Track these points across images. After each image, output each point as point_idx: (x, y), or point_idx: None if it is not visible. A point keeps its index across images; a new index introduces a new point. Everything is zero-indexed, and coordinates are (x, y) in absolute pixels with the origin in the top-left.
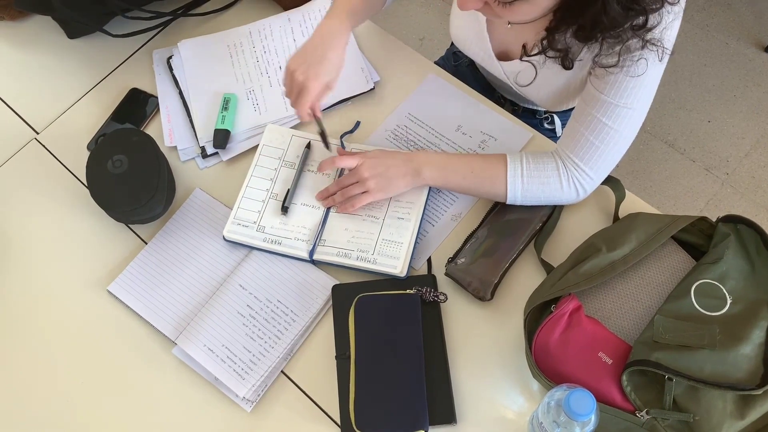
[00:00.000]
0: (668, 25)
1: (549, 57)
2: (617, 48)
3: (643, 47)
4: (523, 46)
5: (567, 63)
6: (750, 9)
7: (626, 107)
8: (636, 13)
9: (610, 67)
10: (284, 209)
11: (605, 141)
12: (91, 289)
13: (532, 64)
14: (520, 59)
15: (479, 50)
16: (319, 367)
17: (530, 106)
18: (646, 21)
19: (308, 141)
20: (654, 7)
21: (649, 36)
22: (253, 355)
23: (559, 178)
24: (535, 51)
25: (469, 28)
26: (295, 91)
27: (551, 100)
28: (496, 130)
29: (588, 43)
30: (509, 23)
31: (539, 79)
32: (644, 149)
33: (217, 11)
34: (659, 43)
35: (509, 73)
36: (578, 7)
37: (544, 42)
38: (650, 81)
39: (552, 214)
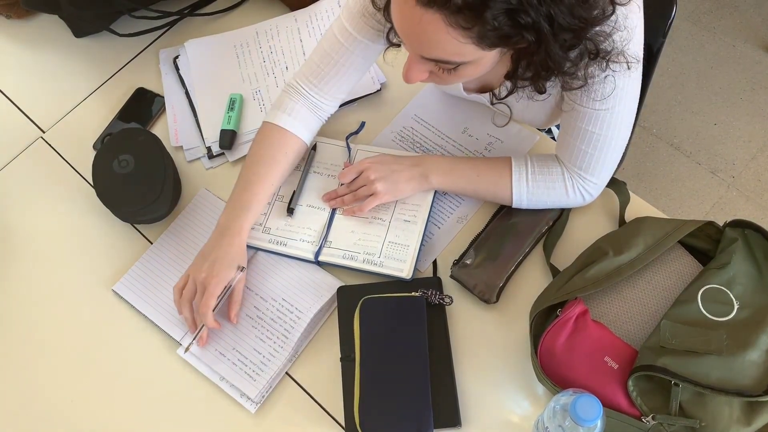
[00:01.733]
0: (627, 43)
1: (519, 89)
2: (580, 74)
3: (605, 68)
4: (492, 93)
5: (539, 88)
6: (757, 11)
7: (608, 110)
8: (582, 50)
9: (579, 88)
10: (290, 210)
11: (597, 147)
12: (96, 289)
13: (506, 105)
14: (491, 104)
15: (456, 90)
16: (323, 368)
17: None
18: (597, 51)
19: (314, 143)
20: (600, 38)
21: (608, 56)
22: (264, 357)
23: (564, 184)
24: (504, 93)
25: None
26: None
27: (542, 121)
28: (502, 133)
29: (549, 80)
30: None
31: (522, 110)
32: (650, 152)
33: (224, 11)
34: (621, 59)
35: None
36: (524, 58)
37: (508, 84)
38: (626, 87)
39: (559, 217)
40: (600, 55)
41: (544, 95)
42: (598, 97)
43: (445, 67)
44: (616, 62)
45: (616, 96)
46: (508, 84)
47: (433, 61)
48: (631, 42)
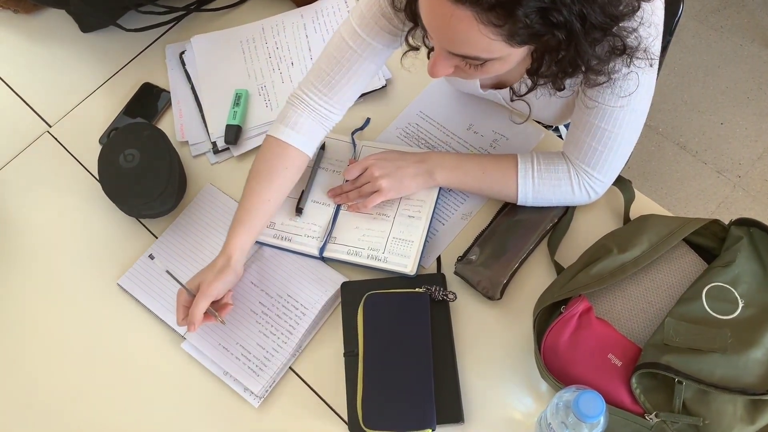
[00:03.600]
0: (654, 39)
1: (539, 85)
2: (604, 70)
3: (629, 64)
4: (511, 89)
5: (558, 85)
6: (764, 10)
7: (622, 108)
8: (610, 46)
9: (602, 84)
10: (299, 210)
11: (608, 145)
12: (101, 283)
13: (526, 102)
14: (511, 100)
15: (473, 87)
16: (327, 364)
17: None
18: (624, 47)
19: (323, 142)
20: (626, 33)
21: (634, 53)
22: (267, 352)
23: (570, 182)
24: (524, 90)
25: None
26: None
27: (555, 118)
28: (507, 130)
29: (573, 77)
30: None
31: (538, 107)
32: (656, 151)
33: (230, 7)
34: (645, 55)
35: (507, 97)
36: (549, 54)
37: (529, 81)
38: (646, 84)
39: (564, 214)
40: (626, 51)
41: (564, 91)
42: (622, 94)
43: (472, 63)
44: (640, 59)
45: (636, 93)
46: (528, 80)
47: (460, 56)
48: (657, 39)
